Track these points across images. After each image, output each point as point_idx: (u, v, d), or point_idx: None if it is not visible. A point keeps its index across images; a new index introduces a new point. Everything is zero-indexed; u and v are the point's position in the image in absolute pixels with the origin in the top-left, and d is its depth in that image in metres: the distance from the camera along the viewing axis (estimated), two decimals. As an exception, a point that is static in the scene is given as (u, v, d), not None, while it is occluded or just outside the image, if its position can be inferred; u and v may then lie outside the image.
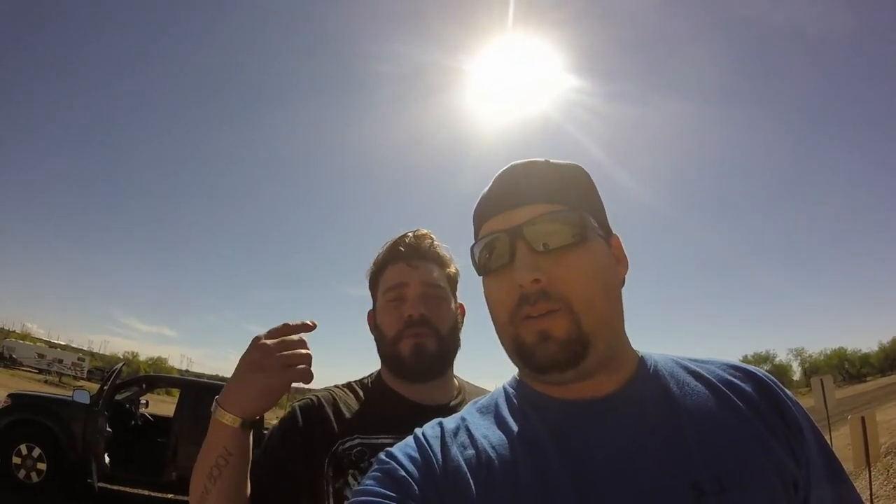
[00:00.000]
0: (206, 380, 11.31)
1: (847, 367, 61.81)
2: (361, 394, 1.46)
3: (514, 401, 0.85)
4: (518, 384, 0.88)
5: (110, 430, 8.26)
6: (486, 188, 0.89)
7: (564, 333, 0.75)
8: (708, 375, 0.83)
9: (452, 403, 1.43)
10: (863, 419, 8.33)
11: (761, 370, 0.85)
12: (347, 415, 1.37)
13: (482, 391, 1.54)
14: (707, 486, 0.68)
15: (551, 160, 0.87)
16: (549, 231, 0.79)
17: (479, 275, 0.87)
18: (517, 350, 0.80)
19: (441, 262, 1.50)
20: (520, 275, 0.76)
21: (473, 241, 0.88)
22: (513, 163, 0.87)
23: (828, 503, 0.78)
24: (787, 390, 0.82)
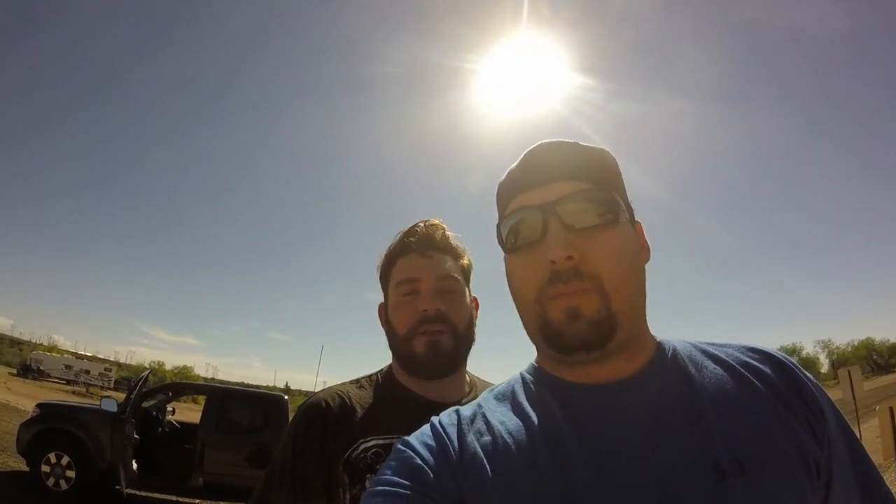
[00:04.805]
0: (230, 387, 11.39)
1: (875, 358, 60.90)
2: (373, 392, 1.42)
3: (532, 386, 0.85)
4: (535, 369, 0.87)
5: (137, 437, 8.36)
6: (515, 164, 0.87)
7: (595, 312, 0.74)
8: (726, 358, 0.82)
9: (465, 401, 1.34)
10: (891, 409, 8.22)
11: (779, 352, 0.84)
12: (361, 415, 1.33)
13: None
14: (729, 468, 0.68)
15: (580, 142, 0.85)
16: (582, 209, 0.77)
17: (505, 252, 0.85)
18: (543, 329, 0.78)
19: (454, 254, 1.45)
20: (553, 251, 0.74)
21: (498, 220, 0.87)
22: (542, 141, 0.85)
23: (851, 484, 0.77)
24: (806, 372, 0.81)
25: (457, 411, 0.85)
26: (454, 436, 0.80)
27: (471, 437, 0.78)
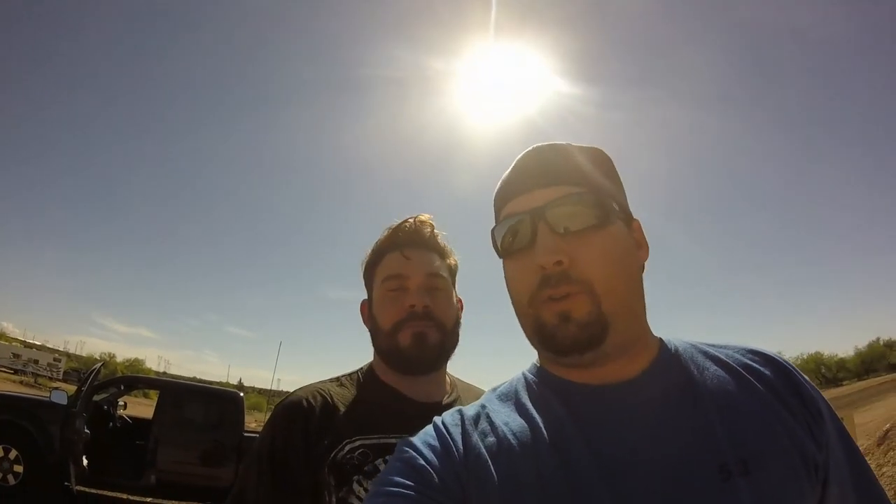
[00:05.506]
0: (184, 381, 11.18)
1: (823, 372, 62.32)
2: (355, 390, 1.38)
3: (535, 387, 0.85)
4: (538, 370, 0.88)
5: (88, 431, 8.10)
6: (508, 171, 0.89)
7: (585, 315, 0.75)
8: (727, 360, 0.83)
9: (447, 401, 1.38)
10: (841, 420, 8.43)
11: (779, 355, 0.86)
12: (345, 414, 1.29)
13: (474, 388, 1.52)
14: (734, 468, 0.69)
15: (573, 143, 0.87)
16: (570, 213, 0.79)
17: (500, 257, 0.87)
18: (538, 332, 0.80)
19: (442, 252, 1.44)
20: (542, 256, 0.76)
21: (494, 224, 0.88)
22: (535, 145, 0.87)
23: (847, 484, 0.79)
24: (805, 376, 0.83)
25: (460, 411, 0.85)
26: (458, 436, 0.79)
27: (475, 438, 0.78)
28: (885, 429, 10.04)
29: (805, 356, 65.76)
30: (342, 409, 1.31)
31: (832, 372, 62.04)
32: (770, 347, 0.88)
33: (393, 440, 1.00)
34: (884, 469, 8.68)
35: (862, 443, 9.94)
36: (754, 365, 0.83)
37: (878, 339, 60.51)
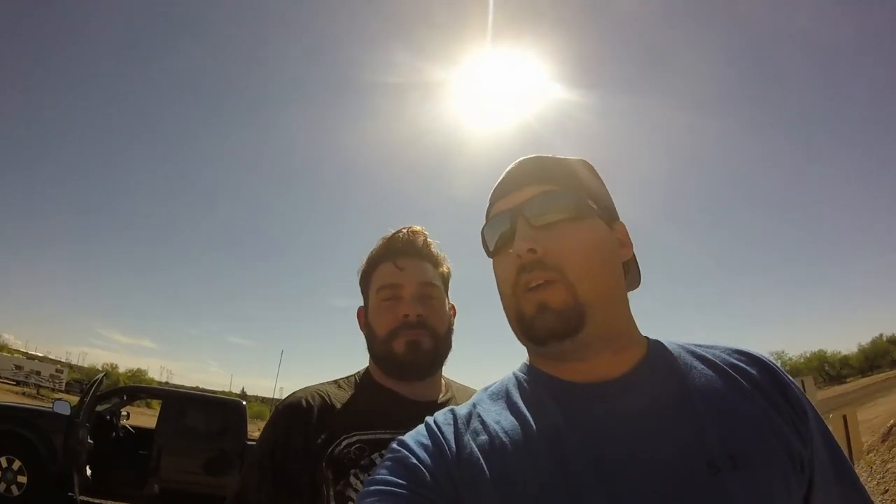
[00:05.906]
0: (187, 391, 11.18)
1: (827, 369, 62.34)
2: (351, 390, 1.44)
3: (525, 385, 0.86)
4: (528, 369, 0.89)
5: (91, 441, 8.12)
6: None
7: (560, 303, 0.78)
8: (714, 359, 0.85)
9: (441, 400, 1.43)
10: (844, 417, 8.42)
11: (765, 355, 0.87)
12: (341, 412, 1.35)
13: (469, 389, 1.55)
14: (722, 464, 0.70)
15: (558, 155, 0.91)
16: (546, 208, 0.83)
17: (489, 257, 0.91)
18: (519, 321, 0.83)
19: (435, 261, 1.49)
20: (517, 244, 0.80)
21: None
22: (521, 157, 0.92)
23: (831, 481, 0.80)
24: (788, 375, 0.85)
25: (452, 411, 0.86)
26: (450, 435, 0.81)
27: (467, 437, 0.79)
28: (889, 425, 10.05)
29: (808, 354, 65.84)
30: (339, 407, 1.37)
31: (836, 369, 62.03)
32: (772, 347, 0.90)
33: (388, 436, 1.09)
34: (889, 465, 8.68)
35: (866, 439, 9.94)
36: (741, 364, 0.85)
37: (881, 335, 60.55)
